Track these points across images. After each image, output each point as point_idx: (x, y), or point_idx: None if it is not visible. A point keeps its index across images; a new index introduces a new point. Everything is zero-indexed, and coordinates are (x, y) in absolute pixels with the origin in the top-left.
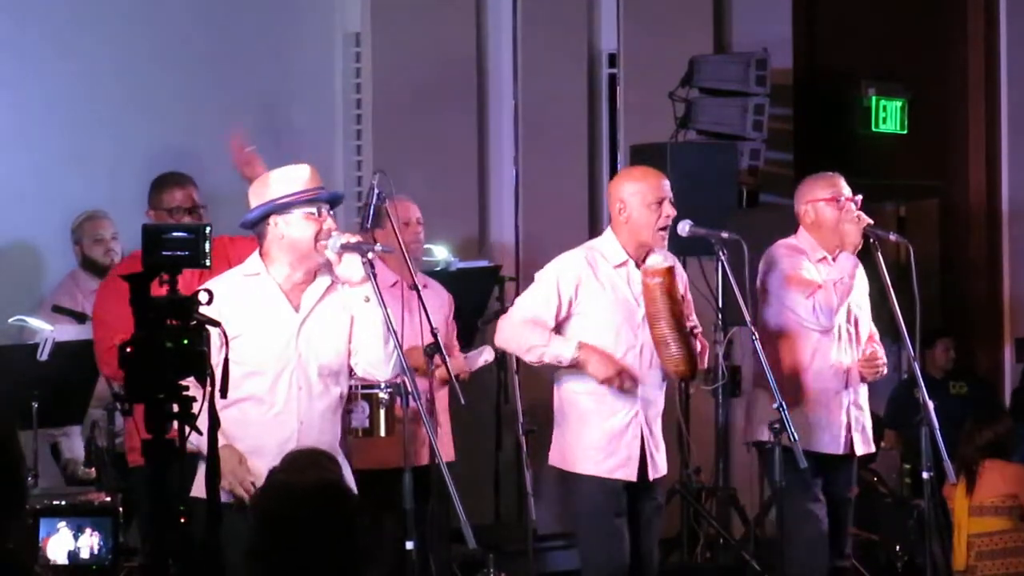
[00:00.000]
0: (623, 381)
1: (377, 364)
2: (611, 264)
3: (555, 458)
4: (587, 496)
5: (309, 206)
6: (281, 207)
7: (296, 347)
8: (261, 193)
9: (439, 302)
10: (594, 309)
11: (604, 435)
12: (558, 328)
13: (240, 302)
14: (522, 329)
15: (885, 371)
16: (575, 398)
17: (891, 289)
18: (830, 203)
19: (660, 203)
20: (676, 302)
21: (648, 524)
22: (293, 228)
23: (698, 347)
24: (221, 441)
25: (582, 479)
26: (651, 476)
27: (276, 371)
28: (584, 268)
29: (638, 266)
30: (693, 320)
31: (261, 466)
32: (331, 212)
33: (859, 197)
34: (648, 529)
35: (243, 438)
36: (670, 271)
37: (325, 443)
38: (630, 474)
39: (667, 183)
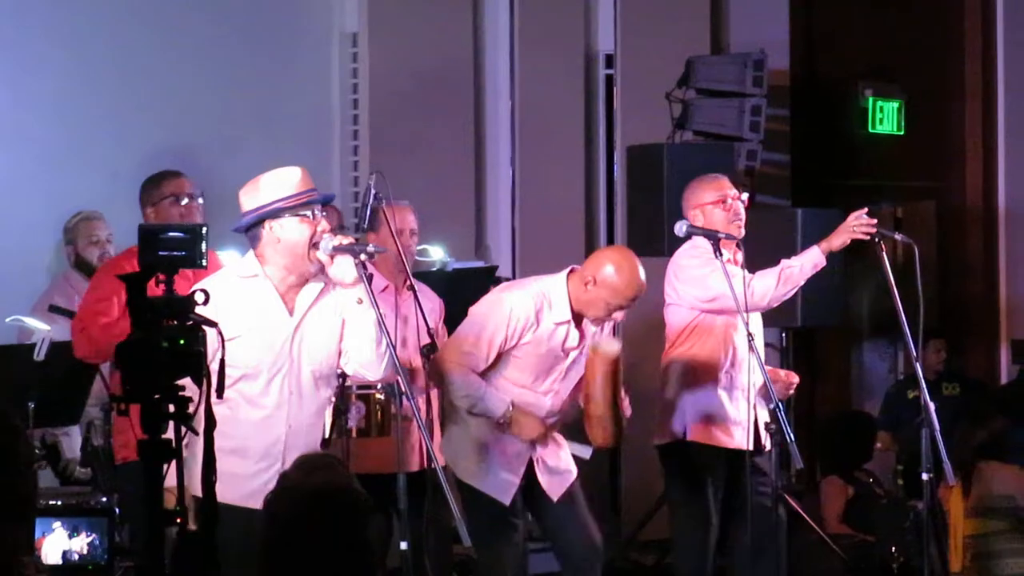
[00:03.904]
0: (544, 437)
1: (369, 365)
2: (554, 320)
3: (450, 458)
4: (486, 509)
5: (304, 209)
6: (276, 212)
7: (290, 351)
8: (254, 197)
9: (429, 307)
10: (523, 355)
11: (495, 459)
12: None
13: (237, 303)
14: (461, 375)
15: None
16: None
17: (896, 290)
18: (717, 205)
19: (620, 308)
20: (618, 385)
21: (576, 508)
22: (288, 232)
23: (626, 414)
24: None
25: (474, 490)
26: (554, 498)
27: (270, 375)
28: (531, 318)
29: (577, 325)
30: (627, 402)
31: (246, 466)
32: (324, 213)
33: (745, 195)
34: (578, 511)
35: (230, 436)
36: (618, 358)
37: (311, 445)
38: (505, 498)
39: (641, 290)
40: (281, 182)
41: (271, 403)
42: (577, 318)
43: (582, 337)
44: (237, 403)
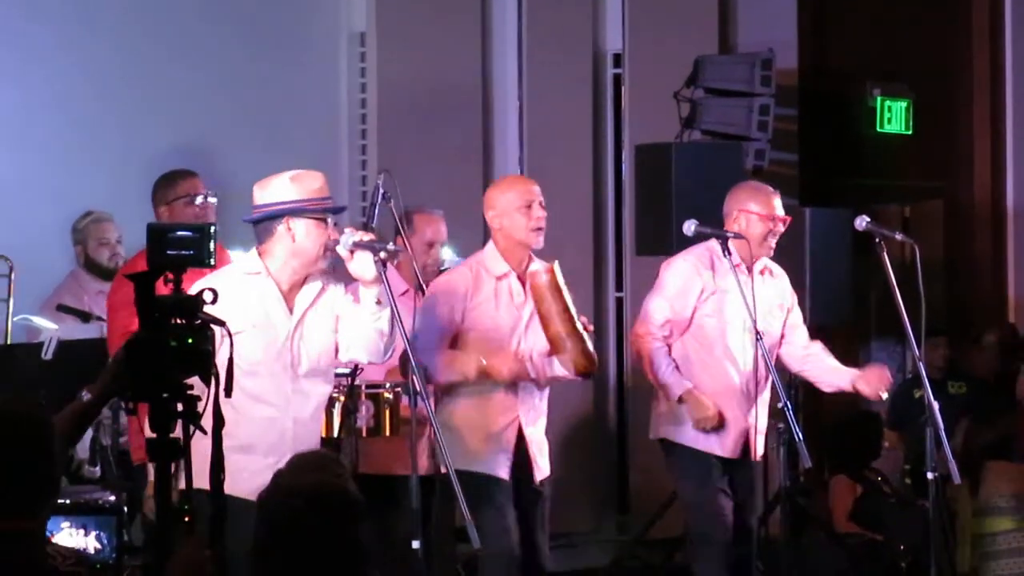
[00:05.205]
0: (524, 370)
1: (374, 350)
2: (493, 276)
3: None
4: (479, 491)
5: (322, 215)
6: (296, 211)
7: (290, 349)
8: (274, 192)
9: None
10: (481, 322)
11: (484, 437)
12: (451, 345)
13: (241, 300)
14: (435, 355)
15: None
16: (459, 402)
17: (897, 289)
18: (764, 220)
19: (529, 206)
20: (563, 298)
21: (538, 520)
22: (303, 234)
23: (588, 329)
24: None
25: (474, 475)
26: (537, 478)
27: (273, 372)
28: (470, 283)
29: (519, 277)
30: (585, 318)
31: (253, 461)
32: (336, 223)
33: (788, 219)
34: (538, 524)
35: (234, 435)
36: (552, 269)
37: (313, 442)
38: (503, 472)
39: (536, 188)
40: (305, 183)
41: (275, 401)
42: (519, 272)
43: (527, 293)
44: (241, 402)
